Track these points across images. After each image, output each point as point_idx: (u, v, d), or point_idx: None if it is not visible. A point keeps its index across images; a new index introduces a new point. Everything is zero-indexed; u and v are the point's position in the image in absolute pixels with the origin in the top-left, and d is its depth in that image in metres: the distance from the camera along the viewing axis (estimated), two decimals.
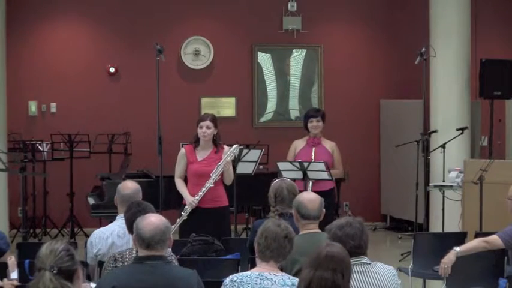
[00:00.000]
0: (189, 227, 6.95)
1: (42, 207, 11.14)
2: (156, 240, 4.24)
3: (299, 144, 8.60)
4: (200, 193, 7.13)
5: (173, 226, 6.98)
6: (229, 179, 7.33)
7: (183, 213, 7.16)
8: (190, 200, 7.15)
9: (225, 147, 7.34)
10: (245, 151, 8.12)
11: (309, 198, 5.31)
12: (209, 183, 7.14)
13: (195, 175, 7.25)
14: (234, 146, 7.39)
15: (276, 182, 6.05)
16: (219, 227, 7.14)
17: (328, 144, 8.56)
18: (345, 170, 9.04)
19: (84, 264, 5.63)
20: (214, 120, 7.30)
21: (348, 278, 3.77)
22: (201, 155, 7.29)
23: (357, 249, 4.26)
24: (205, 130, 7.21)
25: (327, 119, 8.72)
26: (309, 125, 8.52)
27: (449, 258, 5.86)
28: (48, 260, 3.44)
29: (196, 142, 7.31)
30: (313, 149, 8.44)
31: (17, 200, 10.25)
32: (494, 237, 5.96)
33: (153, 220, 4.30)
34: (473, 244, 6.03)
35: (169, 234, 4.33)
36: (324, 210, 5.32)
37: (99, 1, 11.64)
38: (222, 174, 7.24)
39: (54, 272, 3.41)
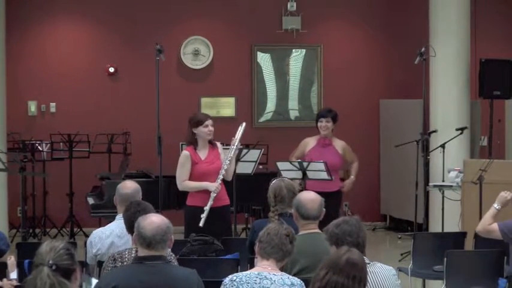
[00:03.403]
0: (193, 226, 6.95)
1: (42, 207, 11.13)
2: (158, 240, 4.24)
3: (310, 142, 8.63)
4: (220, 176, 7.14)
5: (202, 216, 6.97)
6: (231, 173, 7.35)
7: (208, 205, 7.10)
8: (215, 186, 7.12)
9: (218, 144, 7.38)
10: (245, 151, 8.12)
11: (309, 197, 5.29)
12: (225, 165, 7.17)
13: (202, 175, 7.23)
14: (244, 123, 7.47)
15: (274, 181, 6.03)
16: (222, 226, 7.16)
17: (339, 145, 8.59)
18: (348, 170, 9.02)
19: (84, 264, 5.64)
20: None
21: (364, 286, 3.69)
22: (203, 154, 7.31)
23: (355, 246, 4.19)
24: (211, 128, 7.26)
25: None
26: (319, 124, 8.58)
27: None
28: (48, 256, 3.44)
29: (194, 143, 7.32)
30: (313, 151, 8.47)
31: (17, 200, 10.24)
32: (493, 225, 5.93)
33: (154, 220, 4.30)
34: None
35: (170, 234, 4.33)
36: (324, 210, 5.31)
37: (99, 1, 11.63)
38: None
39: (53, 268, 3.41)
